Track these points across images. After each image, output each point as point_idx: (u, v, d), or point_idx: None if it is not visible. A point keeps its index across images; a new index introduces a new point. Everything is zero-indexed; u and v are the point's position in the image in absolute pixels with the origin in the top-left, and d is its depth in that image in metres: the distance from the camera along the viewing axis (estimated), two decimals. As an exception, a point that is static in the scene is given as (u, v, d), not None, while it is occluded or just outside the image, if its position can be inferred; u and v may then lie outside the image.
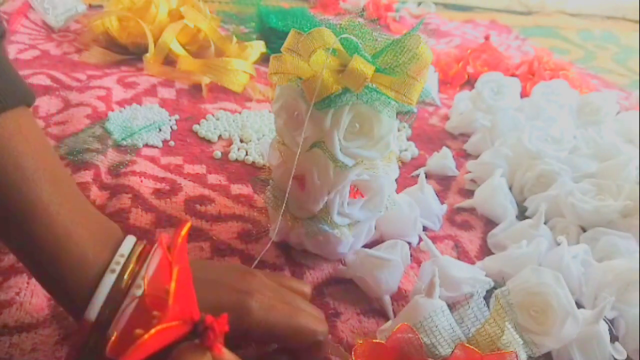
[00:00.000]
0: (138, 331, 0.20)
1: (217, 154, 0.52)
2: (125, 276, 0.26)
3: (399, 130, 0.63)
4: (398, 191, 0.45)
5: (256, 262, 0.37)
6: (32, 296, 0.33)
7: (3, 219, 0.25)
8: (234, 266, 0.35)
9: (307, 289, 0.34)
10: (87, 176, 0.43)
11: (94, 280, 0.26)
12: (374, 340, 0.29)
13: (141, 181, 0.45)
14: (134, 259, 0.27)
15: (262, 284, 0.30)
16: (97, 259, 0.26)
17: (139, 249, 0.28)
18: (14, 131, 0.25)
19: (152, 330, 0.19)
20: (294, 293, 0.32)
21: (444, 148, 0.57)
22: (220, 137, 0.56)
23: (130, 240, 0.28)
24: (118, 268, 0.26)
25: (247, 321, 0.27)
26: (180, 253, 0.20)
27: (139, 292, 0.25)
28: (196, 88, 0.66)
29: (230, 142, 0.55)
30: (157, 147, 0.52)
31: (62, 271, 0.26)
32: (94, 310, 0.25)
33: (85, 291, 0.26)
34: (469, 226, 0.48)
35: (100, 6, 0.82)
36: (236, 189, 0.48)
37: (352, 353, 0.29)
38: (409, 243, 0.43)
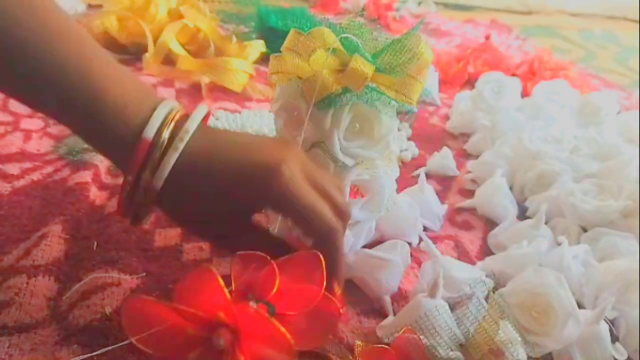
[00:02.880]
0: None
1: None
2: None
3: (399, 130, 0.63)
4: (398, 191, 0.45)
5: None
6: (31, 296, 0.33)
7: (37, 76, 0.25)
8: (269, 137, 0.33)
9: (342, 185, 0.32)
10: (86, 176, 0.43)
11: (138, 125, 0.27)
12: (378, 345, 0.29)
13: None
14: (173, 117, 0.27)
15: (298, 156, 0.29)
16: (137, 111, 0.27)
17: (178, 111, 0.28)
18: None
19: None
20: (329, 178, 0.30)
21: (445, 148, 0.57)
22: (220, 136, 0.56)
23: (168, 103, 0.28)
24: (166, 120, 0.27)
25: (272, 187, 0.27)
26: None
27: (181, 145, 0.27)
28: (196, 88, 0.66)
29: (230, 142, 0.55)
30: (156, 147, 0.52)
31: (101, 121, 0.26)
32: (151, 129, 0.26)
33: (126, 139, 0.26)
34: (470, 226, 0.48)
35: (100, 6, 0.82)
36: (236, 188, 0.47)
37: (356, 355, 0.29)
38: (409, 243, 0.43)
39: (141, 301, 0.21)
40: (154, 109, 0.27)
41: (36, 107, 0.29)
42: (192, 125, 0.27)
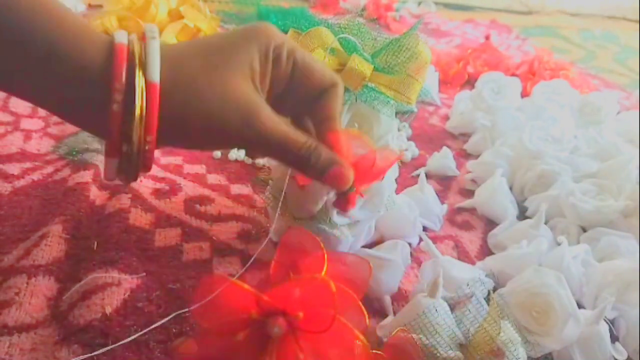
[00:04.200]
0: None
1: (217, 153, 0.52)
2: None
3: (399, 130, 0.63)
4: (398, 191, 0.45)
5: (252, 260, 0.37)
6: (31, 296, 0.33)
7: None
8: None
9: None
10: (86, 176, 0.43)
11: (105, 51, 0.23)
12: (372, 352, 0.29)
13: (141, 181, 0.45)
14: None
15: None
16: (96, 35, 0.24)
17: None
18: None
19: None
20: None
21: (445, 148, 0.57)
22: (220, 137, 0.56)
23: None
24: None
25: (270, 35, 0.26)
26: None
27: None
28: (196, 88, 0.66)
29: (230, 142, 0.55)
30: (156, 147, 0.52)
31: (62, 50, 0.22)
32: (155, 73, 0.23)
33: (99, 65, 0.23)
34: (470, 226, 0.48)
35: (100, 6, 0.82)
36: (236, 189, 0.47)
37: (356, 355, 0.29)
38: (409, 243, 0.43)
39: (221, 279, 0.22)
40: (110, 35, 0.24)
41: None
42: (154, 28, 0.25)
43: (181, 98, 0.24)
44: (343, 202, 0.31)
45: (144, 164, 0.25)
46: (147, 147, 0.24)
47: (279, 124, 0.26)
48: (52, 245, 0.36)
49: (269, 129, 0.25)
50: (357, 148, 0.29)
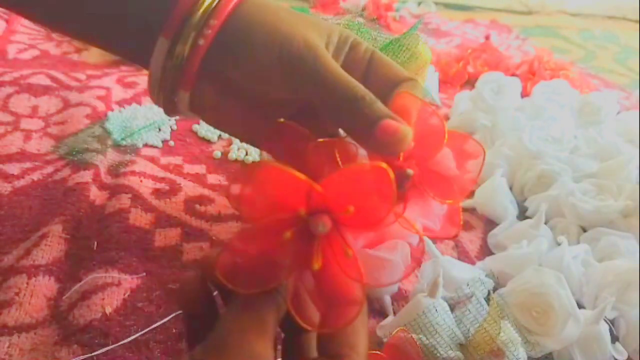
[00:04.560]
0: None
1: (217, 153, 0.52)
2: None
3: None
4: (398, 191, 0.45)
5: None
6: (31, 296, 0.33)
7: None
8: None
9: None
10: (86, 176, 0.43)
11: None
12: (371, 352, 0.29)
13: (141, 181, 0.45)
14: None
15: None
16: None
17: None
18: None
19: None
20: None
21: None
22: (220, 136, 0.56)
23: None
24: None
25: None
26: None
27: None
28: (196, 88, 0.66)
29: (230, 142, 0.55)
30: (156, 147, 0.52)
31: None
32: None
33: None
34: (469, 226, 0.48)
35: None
36: (236, 189, 0.47)
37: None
38: (409, 243, 0.43)
39: (276, 169, 0.19)
40: None
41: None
42: None
43: (255, 7, 0.24)
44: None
45: (189, 66, 0.24)
46: (207, 31, 0.24)
47: (340, 69, 0.25)
48: (52, 245, 0.36)
49: (329, 64, 0.24)
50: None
